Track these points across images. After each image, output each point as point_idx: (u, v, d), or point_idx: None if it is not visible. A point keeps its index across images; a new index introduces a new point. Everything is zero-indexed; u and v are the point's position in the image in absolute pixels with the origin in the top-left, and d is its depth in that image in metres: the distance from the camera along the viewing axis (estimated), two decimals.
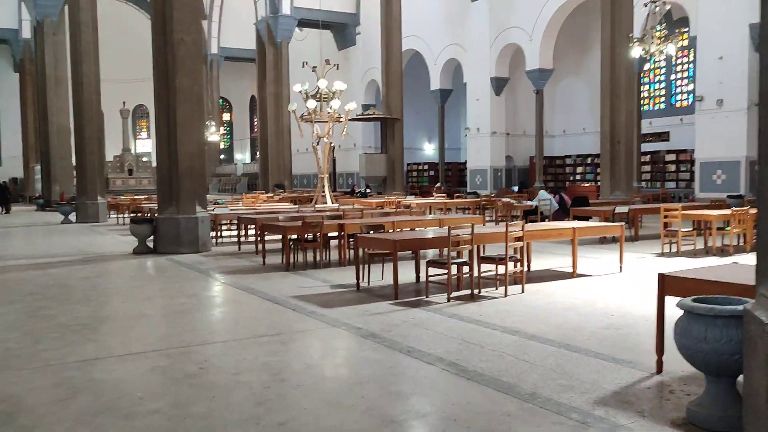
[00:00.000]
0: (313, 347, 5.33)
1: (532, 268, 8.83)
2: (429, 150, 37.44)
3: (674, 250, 10.86)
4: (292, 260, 9.83)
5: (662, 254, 10.65)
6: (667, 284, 4.25)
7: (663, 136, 24.51)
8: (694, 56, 23.28)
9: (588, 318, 6.07)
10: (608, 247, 11.40)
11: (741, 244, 10.89)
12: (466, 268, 7.53)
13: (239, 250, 12.24)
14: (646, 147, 23.87)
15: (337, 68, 19.81)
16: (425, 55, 31.70)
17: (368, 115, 28.06)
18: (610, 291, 7.47)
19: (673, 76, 24.92)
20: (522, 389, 4.04)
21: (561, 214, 14.86)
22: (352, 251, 9.87)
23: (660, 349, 4.34)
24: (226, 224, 14.45)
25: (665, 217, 10.76)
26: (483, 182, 28.45)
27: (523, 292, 7.39)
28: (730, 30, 18.37)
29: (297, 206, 16.01)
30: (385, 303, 6.93)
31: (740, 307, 3.22)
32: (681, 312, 3.48)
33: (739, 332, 3.20)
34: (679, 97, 24.72)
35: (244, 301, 7.52)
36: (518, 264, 7.51)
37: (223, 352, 5.13)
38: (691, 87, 23.93)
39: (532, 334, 5.42)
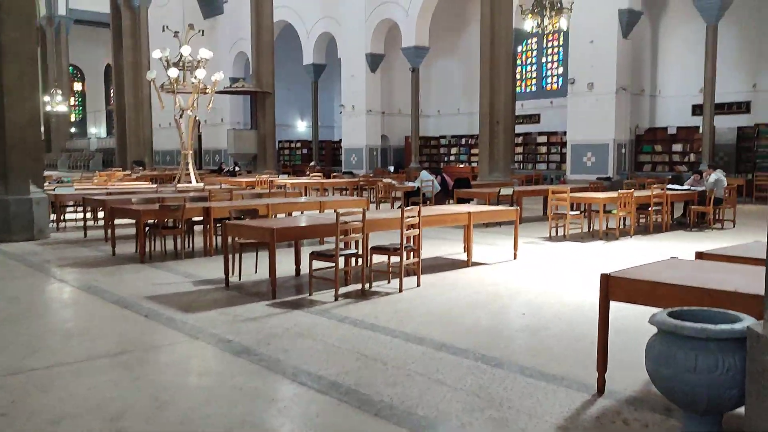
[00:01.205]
0: (169, 373, 4.12)
1: (422, 256, 8.03)
2: (302, 127, 36.08)
3: (561, 233, 10.55)
4: (147, 250, 8.39)
5: (550, 238, 10.29)
6: (611, 287, 3.50)
7: (534, 119, 24.87)
8: (565, 40, 23.72)
9: (498, 318, 5.32)
10: (495, 231, 10.90)
11: (623, 227, 10.76)
12: (357, 261, 6.54)
13: (85, 237, 10.52)
14: (518, 129, 24.06)
15: (202, 34, 18.02)
16: (298, 28, 30.22)
17: (237, 88, 26.24)
18: (512, 282, 6.81)
19: (543, 59, 25.31)
20: (449, 429, 3.14)
21: (443, 195, 14.31)
22: (219, 238, 8.61)
23: (602, 365, 3.60)
24: (71, 207, 12.51)
25: (553, 200, 10.39)
26: (358, 161, 27.66)
27: (418, 285, 6.55)
28: (601, 15, 18.64)
29: (156, 185, 14.28)
30: (261, 304, 5.81)
31: (739, 327, 2.48)
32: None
33: (739, 359, 2.46)
34: (549, 80, 25.16)
35: (84, 304, 6.10)
36: (413, 254, 6.65)
37: (42, 384, 3.81)
38: (561, 71, 24.40)
39: (441, 343, 4.55)
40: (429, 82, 28.41)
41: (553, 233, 10.52)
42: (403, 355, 4.29)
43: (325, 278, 6.19)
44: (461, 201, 13.20)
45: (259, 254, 7.41)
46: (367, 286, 6.42)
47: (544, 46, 25.16)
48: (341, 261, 6.19)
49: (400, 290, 6.29)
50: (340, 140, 29.69)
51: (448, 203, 14.51)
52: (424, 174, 14.41)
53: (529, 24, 12.69)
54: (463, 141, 27.12)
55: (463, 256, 8.20)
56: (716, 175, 11.61)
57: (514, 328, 5.01)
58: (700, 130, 18.56)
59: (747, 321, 2.53)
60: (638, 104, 20.41)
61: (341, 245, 6.10)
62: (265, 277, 6.59)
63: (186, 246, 8.83)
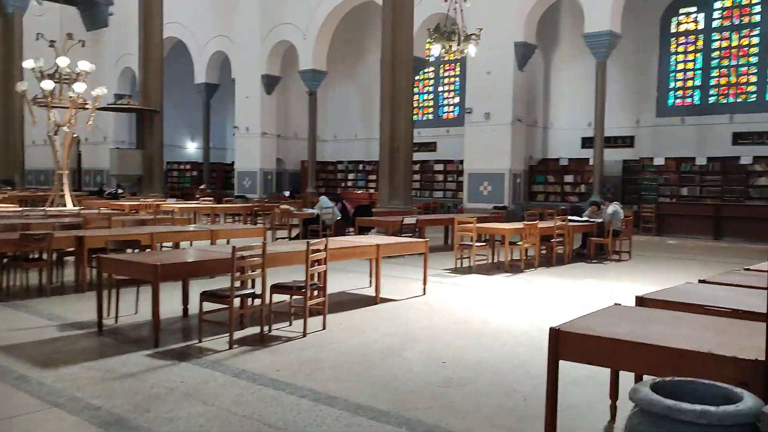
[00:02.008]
0: None
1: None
2: (192, 148, 34.44)
3: (466, 265, 10.24)
4: (4, 285, 7.19)
5: (456, 270, 9.94)
6: (562, 344, 3.02)
7: (431, 147, 24.93)
8: (462, 70, 24.02)
9: (418, 369, 4.75)
10: (399, 262, 10.43)
11: (526, 258, 10.59)
12: (254, 301, 5.79)
13: None
14: (416, 156, 23.96)
15: (83, 45, 16.58)
16: (189, 46, 28.90)
17: (122, 104, 24.55)
18: (425, 322, 6.29)
19: (440, 88, 25.52)
20: None
21: (343, 223, 13.75)
22: (96, 270, 7.55)
23: None
24: None
25: (460, 230, 10.07)
26: (252, 185, 26.58)
27: (324, 328, 5.88)
28: (498, 47, 18.92)
29: (22, 209, 12.75)
30: (141, 354, 4.94)
31: (744, 408, 2.03)
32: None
33: None
34: (446, 109, 25.36)
35: None
36: (319, 292, 5.99)
37: None
38: (457, 100, 24.65)
39: (357, 404, 3.91)
40: (326, 107, 27.93)
41: (459, 264, 10.19)
42: (314, 422, 3.61)
43: (218, 322, 5.40)
44: (363, 229, 12.68)
45: (141, 291, 6.48)
46: (266, 329, 5.68)
47: (441, 75, 25.38)
48: (237, 302, 5.43)
49: (305, 334, 5.61)
50: (233, 163, 28.50)
51: (348, 231, 13.97)
52: (324, 200, 13.79)
53: (436, 49, 12.46)
54: (361, 167, 26.76)
55: (370, 291, 7.64)
56: (614, 207, 11.77)
57: (437, 381, 4.45)
58: (590, 162, 19.16)
59: (748, 399, 2.09)
60: (532, 135, 20.87)
61: (237, 283, 5.35)
62: (147, 318, 5.71)
63: (53, 281, 7.69)
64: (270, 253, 5.72)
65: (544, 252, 11.29)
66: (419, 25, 19.26)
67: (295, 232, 13.95)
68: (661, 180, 18.78)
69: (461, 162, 21.88)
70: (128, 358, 4.82)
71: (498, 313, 6.81)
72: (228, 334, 5.25)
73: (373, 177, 25.84)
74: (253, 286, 5.84)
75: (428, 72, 25.45)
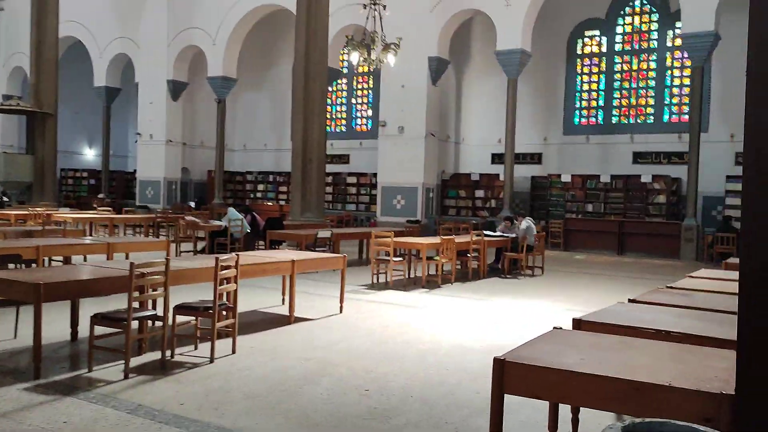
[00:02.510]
0: None
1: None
2: (90, 155, 32.49)
3: (383, 280, 9.93)
4: None
5: (373, 286, 9.61)
6: (508, 377, 2.71)
7: (344, 159, 24.61)
8: (375, 83, 23.91)
9: (338, 399, 4.34)
10: (312, 277, 9.97)
11: (442, 273, 10.41)
12: (155, 324, 5.21)
13: None
14: (328, 168, 23.59)
15: None
16: (89, 47, 27.28)
17: (10, 106, 22.75)
18: (343, 344, 5.90)
19: (353, 101, 25.29)
20: None
21: (253, 236, 13.14)
22: None
23: None
24: None
25: (377, 245, 9.75)
26: (155, 195, 25.29)
27: (234, 352, 5.37)
28: (412, 60, 18.89)
29: None
30: (17, 388, 4.27)
31: None
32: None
33: None
34: (359, 121, 25.15)
35: None
36: (229, 313, 5.48)
37: None
38: (370, 113, 24.49)
39: None
40: (235, 115, 27.09)
41: (375, 280, 9.86)
42: None
43: (113, 348, 4.78)
44: (274, 243, 12.16)
45: (21, 312, 5.72)
46: (168, 354, 5.11)
47: (355, 87, 25.17)
48: (135, 324, 4.84)
49: (212, 360, 5.08)
50: (135, 171, 27.06)
51: (258, 245, 13.37)
52: (233, 212, 13.14)
53: (355, 57, 12.15)
54: (271, 178, 26.05)
55: (283, 310, 7.18)
56: (527, 222, 11.83)
57: (361, 412, 4.06)
58: (501, 178, 19.43)
59: None
60: (445, 150, 20.97)
61: (135, 304, 4.76)
62: (27, 344, 5.00)
63: None
64: (174, 269, 5.17)
65: (459, 267, 11.17)
66: (333, 34, 18.96)
67: (201, 245, 13.20)
68: (568, 196, 19.29)
69: (375, 175, 21.70)
70: (2, 393, 4.14)
71: (420, 332, 6.51)
72: (123, 362, 4.65)
73: (284, 188, 25.22)
74: (154, 307, 5.26)
75: (341, 83, 25.18)
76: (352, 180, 23.54)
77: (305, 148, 16.13)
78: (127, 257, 8.14)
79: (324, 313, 7.32)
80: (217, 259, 5.16)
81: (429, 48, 19.17)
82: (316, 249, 11.22)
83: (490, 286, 10.09)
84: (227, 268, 5.33)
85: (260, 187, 26.30)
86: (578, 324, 3.71)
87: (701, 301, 4.55)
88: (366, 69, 23.92)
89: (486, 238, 11.14)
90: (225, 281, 5.37)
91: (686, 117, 18.77)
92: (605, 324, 3.61)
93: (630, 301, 4.54)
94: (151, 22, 25.15)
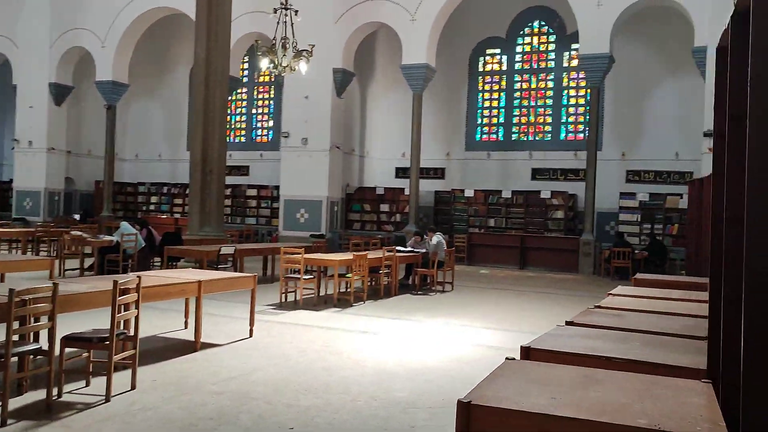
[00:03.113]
0: None
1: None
2: None
3: (292, 299, 9.43)
4: None
5: (282, 305, 9.08)
6: (475, 423, 2.37)
7: (243, 171, 23.75)
8: (276, 93, 23.32)
9: None
10: (215, 296, 9.31)
11: (352, 290, 10.05)
12: (36, 357, 4.49)
13: None
14: (227, 180, 22.68)
15: None
16: None
17: None
18: (259, 374, 5.39)
19: (254, 111, 24.52)
20: None
21: (148, 252, 12.24)
22: None
23: None
24: None
25: (286, 261, 9.24)
26: (34, 207, 23.32)
27: (134, 387, 4.74)
28: (317, 71, 18.49)
29: None
30: None
31: None
32: None
33: None
34: (259, 132, 24.39)
35: None
36: (126, 344, 4.84)
37: None
38: (271, 123, 23.82)
39: None
40: (126, 123, 25.58)
41: (284, 299, 9.34)
42: None
43: None
44: (172, 260, 11.35)
45: None
46: (55, 394, 4.41)
47: (255, 97, 24.42)
48: (13, 361, 4.14)
49: (108, 398, 4.44)
50: (11, 181, 24.88)
51: (153, 262, 12.50)
52: (126, 226, 12.16)
53: (264, 63, 11.59)
54: (166, 189, 24.71)
55: (187, 335, 6.56)
56: (437, 238, 11.70)
57: None
58: (406, 192, 19.37)
59: None
60: (349, 163, 20.67)
61: (15, 337, 4.07)
62: None
63: None
64: (63, 294, 4.49)
65: (370, 284, 10.85)
66: (234, 42, 18.24)
67: (88, 262, 12.11)
68: (471, 211, 19.50)
69: (276, 187, 21.08)
70: None
71: (339, 357, 6.10)
72: (0, 406, 3.94)
73: (179, 201, 24.02)
74: (37, 340, 4.55)
75: (241, 92, 24.36)
76: (252, 192, 22.75)
77: (205, 159, 15.32)
78: (2, 279, 7.19)
79: (233, 337, 6.75)
80: (115, 282, 4.53)
81: (334, 59, 18.87)
82: (219, 266, 10.56)
83: (404, 304, 9.83)
84: (127, 291, 4.71)
85: (153, 199, 24.89)
86: (527, 353, 3.45)
87: (637, 322, 4.43)
88: (268, 78, 23.36)
89: (398, 254, 10.89)
90: (124, 307, 4.74)
91: (581, 135, 19.54)
92: (557, 353, 3.37)
93: (567, 323, 4.36)
94: (30, 20, 23.32)
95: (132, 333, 4.88)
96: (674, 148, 17.98)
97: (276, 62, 11.15)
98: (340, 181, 19.87)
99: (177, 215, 22.95)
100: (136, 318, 4.88)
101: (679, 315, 4.84)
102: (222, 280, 6.55)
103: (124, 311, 4.77)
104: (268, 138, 23.96)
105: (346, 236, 18.69)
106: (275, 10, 11.25)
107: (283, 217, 19.68)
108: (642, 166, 18.52)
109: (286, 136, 19.53)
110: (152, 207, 24.72)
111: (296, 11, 11.43)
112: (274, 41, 11.10)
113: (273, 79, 23.50)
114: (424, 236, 12.08)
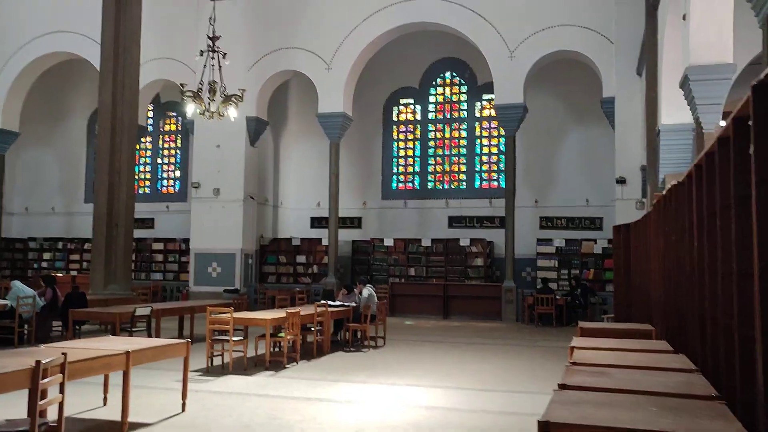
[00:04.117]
0: None
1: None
2: None
3: (218, 362, 8.64)
4: None
5: (209, 371, 8.28)
6: None
7: (148, 223, 22.40)
8: (184, 142, 22.40)
9: None
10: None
11: (285, 351, 9.36)
12: None
13: None
14: None
15: None
16: None
17: None
18: None
19: (159, 161, 23.37)
20: None
21: (48, 314, 11.02)
22: None
23: None
24: None
25: (212, 323, 8.47)
26: None
27: None
28: (229, 120, 17.84)
29: None
30: None
31: None
32: None
33: None
34: (166, 183, 23.22)
35: None
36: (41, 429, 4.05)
37: None
38: (178, 174, 22.76)
39: None
40: (16, 174, 23.67)
41: (210, 363, 8.53)
42: None
43: None
44: (78, 323, 10.26)
45: None
46: None
47: (161, 146, 23.32)
48: None
49: None
50: None
51: (53, 328, 11.28)
52: (19, 286, 10.94)
53: (191, 108, 10.88)
54: (60, 245, 22.89)
55: (108, 413, 5.74)
56: (368, 290, 11.25)
57: None
58: (323, 242, 18.87)
59: None
60: (263, 214, 19.95)
61: None
62: None
63: None
64: None
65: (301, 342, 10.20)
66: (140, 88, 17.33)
67: None
68: (391, 260, 19.22)
69: (185, 240, 20.00)
70: None
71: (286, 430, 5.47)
72: None
73: (75, 257, 22.33)
74: None
75: (146, 142, 23.19)
76: (159, 246, 21.44)
77: (110, 212, 14.25)
78: None
79: (163, 413, 5.95)
80: (38, 363, 3.78)
81: (247, 107, 18.26)
82: (133, 330, 9.60)
83: (340, 363, 9.24)
84: (50, 371, 3.95)
85: (46, 255, 22.96)
86: (546, 427, 3.06)
87: (628, 380, 4.16)
88: (175, 126, 22.42)
89: (330, 309, 10.33)
90: (45, 392, 3.97)
91: (495, 183, 19.88)
92: (583, 427, 3.00)
93: (561, 386, 4.02)
94: None
95: (56, 423, 4.09)
96: (584, 195, 18.59)
97: (203, 108, 10.50)
98: (255, 233, 19.11)
99: (74, 272, 21.24)
100: (61, 404, 4.10)
101: (661, 370, 4.63)
102: (152, 350, 5.77)
103: (49, 399, 3.99)
104: (175, 189, 22.85)
105: (262, 290, 17.88)
106: (201, 53, 10.66)
107: (194, 272, 18.60)
108: (554, 213, 19.00)
109: (196, 187, 18.62)
110: (45, 264, 22.78)
111: (224, 54, 10.88)
112: (201, 86, 10.47)
113: (180, 128, 22.61)
114: (353, 289, 11.59)
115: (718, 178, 3.61)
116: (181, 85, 10.48)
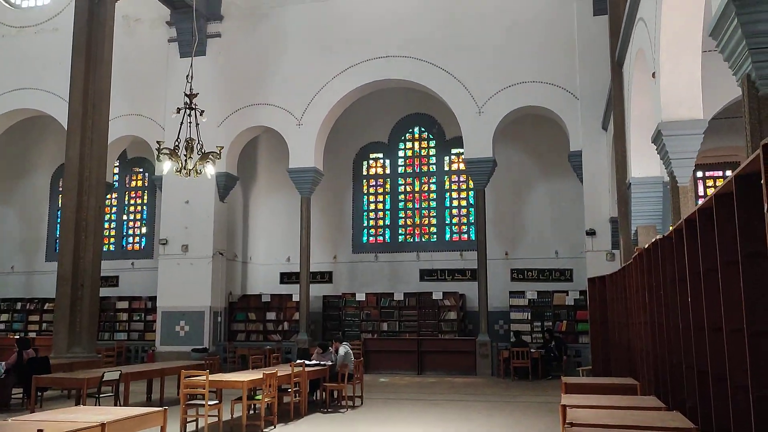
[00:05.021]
0: None
1: None
2: None
3: (192, 429, 8.27)
4: None
5: None
6: None
7: (112, 281, 21.79)
8: (150, 198, 22.09)
9: None
10: None
11: (263, 415, 9.03)
12: None
13: None
14: None
15: None
16: None
17: None
18: None
19: (125, 217, 22.92)
20: None
21: (12, 379, 10.47)
22: None
23: None
24: None
25: (187, 386, 8.14)
26: None
27: None
28: (199, 176, 17.67)
29: None
30: None
31: None
32: None
33: None
34: (131, 239, 22.73)
35: None
36: None
37: None
38: (144, 230, 22.33)
39: None
40: None
41: (184, 429, 8.16)
42: None
43: None
44: (42, 389, 9.77)
45: None
46: None
47: (126, 202, 22.92)
48: None
49: None
50: None
51: (11, 396, 10.71)
52: None
53: (167, 165, 10.71)
54: (19, 306, 22.05)
55: None
56: (345, 348, 11.00)
57: None
58: (294, 298, 18.57)
59: None
60: (233, 270, 19.60)
61: None
62: None
63: None
64: None
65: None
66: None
67: None
68: (363, 315, 18.97)
69: (151, 298, 19.48)
70: None
71: None
72: None
73: (35, 318, 21.53)
74: None
75: (111, 198, 22.75)
76: (123, 305, 20.81)
77: (76, 271, 13.83)
78: None
79: None
80: None
81: (217, 163, 18.11)
82: (100, 397, 9.16)
83: (320, 426, 8.94)
84: None
85: (3, 317, 22.08)
86: None
87: None
88: (141, 183, 22.13)
89: (307, 369, 10.05)
90: None
91: (466, 236, 19.95)
92: None
93: None
94: None
95: None
96: (553, 247, 18.75)
97: (180, 165, 10.35)
98: (224, 290, 18.71)
99: (33, 334, 20.39)
100: None
101: (661, 430, 4.56)
102: (128, 420, 5.47)
103: None
104: (140, 246, 22.38)
105: (231, 348, 17.41)
106: (178, 110, 10.57)
107: (161, 331, 18.05)
108: (524, 265, 19.08)
109: (164, 243, 18.26)
110: (2, 327, 21.88)
111: (202, 111, 10.82)
112: (177, 143, 10.34)
113: (147, 184, 22.31)
114: (329, 347, 11.34)
115: (716, 234, 3.62)
116: (158, 142, 10.34)
